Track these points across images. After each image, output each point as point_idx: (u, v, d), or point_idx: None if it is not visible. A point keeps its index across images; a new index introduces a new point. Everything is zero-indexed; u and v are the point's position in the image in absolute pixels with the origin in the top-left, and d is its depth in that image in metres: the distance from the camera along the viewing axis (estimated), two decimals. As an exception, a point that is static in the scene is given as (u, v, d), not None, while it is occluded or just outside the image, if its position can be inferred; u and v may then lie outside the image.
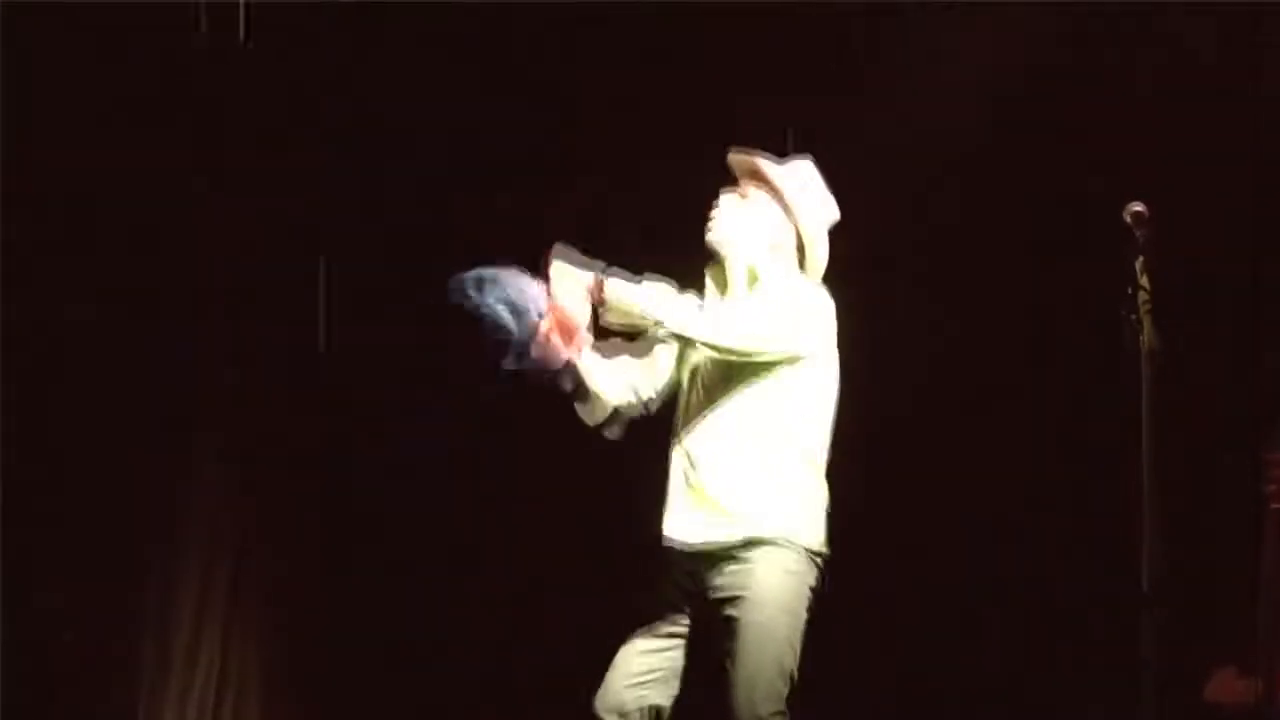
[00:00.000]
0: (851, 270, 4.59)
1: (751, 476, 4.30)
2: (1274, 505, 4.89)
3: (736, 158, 4.50)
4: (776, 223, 4.46)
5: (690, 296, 4.45)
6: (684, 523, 4.34)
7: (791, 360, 4.31)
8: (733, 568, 4.27)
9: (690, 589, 4.35)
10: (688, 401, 4.44)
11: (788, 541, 4.28)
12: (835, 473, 4.45)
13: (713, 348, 4.30)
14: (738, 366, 4.32)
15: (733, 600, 4.26)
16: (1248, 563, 4.99)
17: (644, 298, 4.34)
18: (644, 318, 4.35)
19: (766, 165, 4.47)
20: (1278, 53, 5.69)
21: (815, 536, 4.34)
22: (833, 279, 4.52)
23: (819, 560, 4.34)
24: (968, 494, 6.04)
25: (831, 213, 4.51)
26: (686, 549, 4.33)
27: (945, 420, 6.07)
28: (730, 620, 4.25)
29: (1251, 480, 4.97)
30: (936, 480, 6.07)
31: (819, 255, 4.48)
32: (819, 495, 4.38)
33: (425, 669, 6.52)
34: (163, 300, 6.17)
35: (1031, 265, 6.03)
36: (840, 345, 4.43)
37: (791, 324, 4.32)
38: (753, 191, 4.48)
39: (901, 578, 6.13)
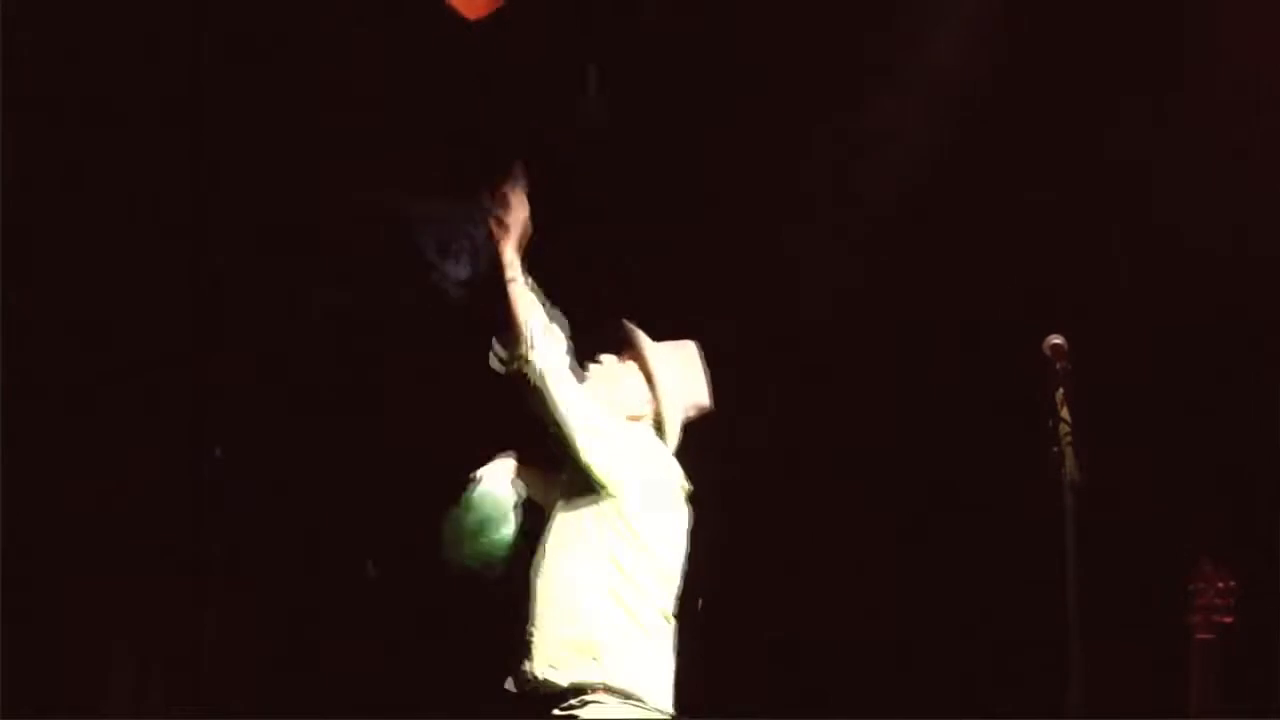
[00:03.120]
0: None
1: (569, 628, 4.23)
2: (1199, 636, 4.90)
3: (625, 326, 4.54)
4: (640, 396, 4.47)
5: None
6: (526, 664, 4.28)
7: (603, 490, 4.25)
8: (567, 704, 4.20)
9: None
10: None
11: (612, 694, 4.18)
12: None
13: (541, 398, 4.23)
14: (565, 519, 4.31)
15: None
16: (1175, 693, 4.99)
17: (533, 317, 4.25)
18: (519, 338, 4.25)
19: (642, 341, 4.50)
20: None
21: (638, 686, 4.22)
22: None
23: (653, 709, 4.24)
24: (894, 626, 6.05)
25: (697, 398, 4.53)
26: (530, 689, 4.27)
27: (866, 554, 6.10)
28: None
29: (1177, 611, 4.98)
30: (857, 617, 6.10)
31: (672, 433, 4.46)
32: (646, 649, 4.26)
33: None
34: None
35: (952, 397, 6.07)
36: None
37: (607, 437, 4.27)
38: (629, 363, 4.51)
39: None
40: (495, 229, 4.31)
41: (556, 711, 4.20)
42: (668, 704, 4.28)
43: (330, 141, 6.19)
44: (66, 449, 6.23)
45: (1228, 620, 4.89)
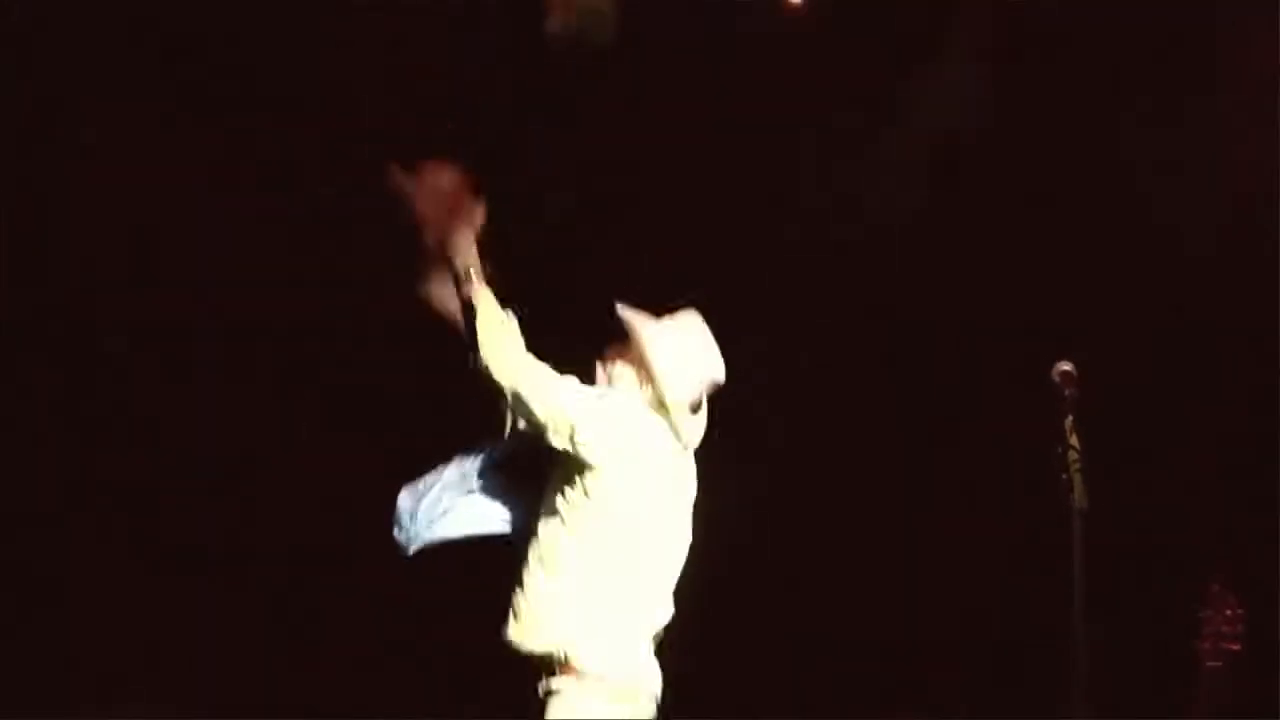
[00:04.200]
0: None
1: (544, 588, 4.14)
2: (1208, 663, 4.88)
3: (620, 315, 4.32)
4: (633, 382, 4.30)
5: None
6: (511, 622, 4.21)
7: (580, 462, 4.13)
8: (543, 683, 4.11)
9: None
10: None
11: (578, 667, 4.08)
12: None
13: (488, 363, 4.16)
14: (558, 478, 4.20)
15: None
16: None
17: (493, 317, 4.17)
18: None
19: (636, 326, 4.28)
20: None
21: (606, 664, 4.10)
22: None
23: (626, 693, 4.11)
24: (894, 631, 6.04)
25: (704, 373, 4.29)
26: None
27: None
28: None
29: (1184, 637, 4.96)
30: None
31: (677, 412, 4.24)
32: (616, 620, 4.14)
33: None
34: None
35: (962, 425, 6.06)
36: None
37: (585, 420, 4.13)
38: (628, 354, 4.34)
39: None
40: (437, 223, 4.18)
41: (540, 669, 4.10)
42: (609, 666, 4.11)
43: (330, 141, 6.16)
44: (67, 449, 6.23)
45: (1235, 648, 4.87)
